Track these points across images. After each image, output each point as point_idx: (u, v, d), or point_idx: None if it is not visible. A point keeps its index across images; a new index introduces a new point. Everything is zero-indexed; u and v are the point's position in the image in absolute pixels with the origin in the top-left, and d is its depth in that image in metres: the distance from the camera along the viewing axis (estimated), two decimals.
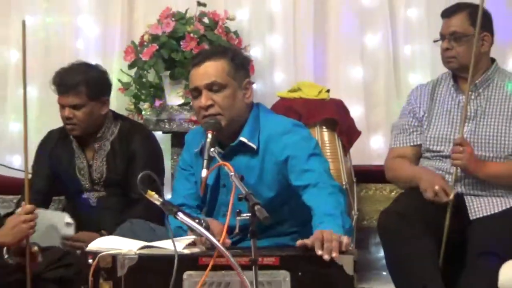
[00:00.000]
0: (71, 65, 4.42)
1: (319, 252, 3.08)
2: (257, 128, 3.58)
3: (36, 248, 3.64)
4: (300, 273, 3.13)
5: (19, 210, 3.72)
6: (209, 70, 3.50)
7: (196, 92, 3.53)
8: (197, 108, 3.54)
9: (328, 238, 3.08)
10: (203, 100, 3.49)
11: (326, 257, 3.06)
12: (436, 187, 3.95)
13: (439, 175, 4.08)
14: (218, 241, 2.96)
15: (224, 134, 3.52)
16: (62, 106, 4.31)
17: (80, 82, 4.30)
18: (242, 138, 3.55)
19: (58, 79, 4.31)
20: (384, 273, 4.47)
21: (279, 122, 3.63)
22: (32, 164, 4.41)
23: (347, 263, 3.13)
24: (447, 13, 4.27)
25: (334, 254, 3.07)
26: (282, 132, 3.55)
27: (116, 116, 4.51)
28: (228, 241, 3.29)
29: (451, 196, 3.95)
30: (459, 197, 4.03)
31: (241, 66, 3.59)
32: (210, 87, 3.49)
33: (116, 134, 4.41)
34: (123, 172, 4.30)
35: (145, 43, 5.03)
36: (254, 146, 3.55)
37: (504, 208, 4.06)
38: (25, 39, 3.62)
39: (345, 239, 3.11)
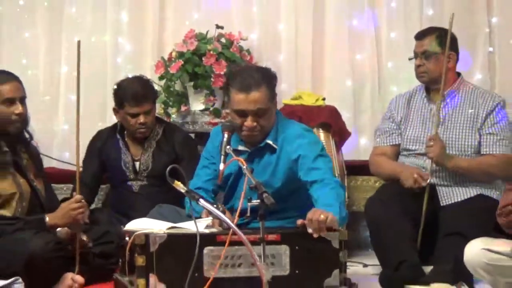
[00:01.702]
0: (133, 80, 4.40)
1: (310, 231, 3.21)
2: (277, 132, 3.66)
3: (85, 238, 3.70)
4: (297, 247, 3.26)
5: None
6: (256, 99, 3.53)
7: (241, 112, 3.57)
8: (240, 125, 3.58)
9: (317, 219, 3.19)
10: (249, 122, 3.55)
11: (315, 235, 3.20)
12: (415, 175, 3.98)
13: (415, 167, 4.11)
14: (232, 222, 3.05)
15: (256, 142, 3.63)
16: (134, 115, 4.27)
17: (149, 91, 4.33)
18: (268, 141, 3.63)
19: (133, 93, 4.26)
20: (370, 250, 4.46)
21: (293, 127, 3.70)
22: (83, 160, 4.40)
23: (334, 239, 3.26)
24: (419, 35, 4.30)
25: (321, 234, 3.21)
26: (295, 136, 3.62)
27: (159, 120, 4.53)
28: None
29: (429, 180, 4.00)
30: (432, 187, 4.06)
31: (274, 87, 3.66)
32: (256, 112, 3.55)
33: (161, 135, 4.41)
34: (167, 166, 4.28)
35: (173, 59, 5.02)
36: (277, 147, 3.63)
37: (469, 196, 4.09)
38: (80, 55, 3.65)
39: (330, 216, 3.20)
